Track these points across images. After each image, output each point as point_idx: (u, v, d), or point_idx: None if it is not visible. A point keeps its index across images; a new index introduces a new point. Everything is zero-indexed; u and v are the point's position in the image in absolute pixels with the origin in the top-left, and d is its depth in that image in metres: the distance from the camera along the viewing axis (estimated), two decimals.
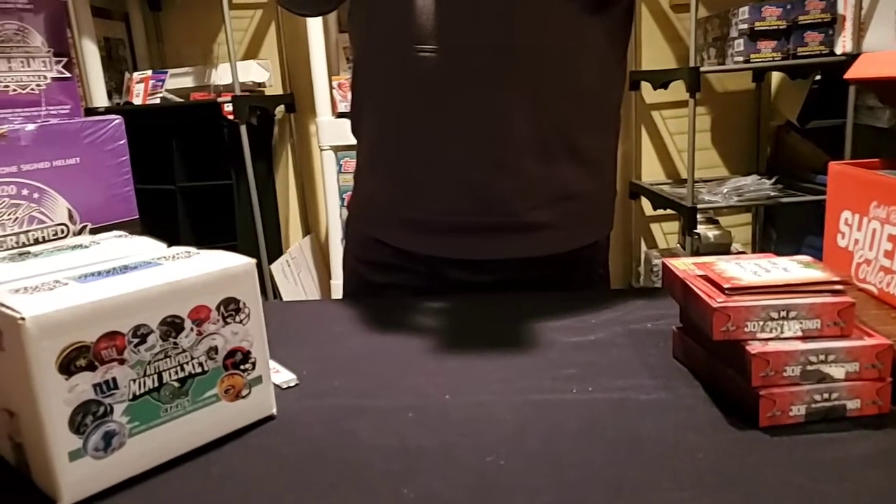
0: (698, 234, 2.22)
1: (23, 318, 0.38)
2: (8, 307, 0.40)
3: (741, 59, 2.03)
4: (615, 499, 0.40)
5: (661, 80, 2.28)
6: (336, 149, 2.33)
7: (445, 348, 0.63)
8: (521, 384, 0.54)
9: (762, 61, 2.01)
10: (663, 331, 0.61)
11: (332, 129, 2.30)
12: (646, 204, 2.54)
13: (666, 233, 2.70)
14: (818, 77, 2.24)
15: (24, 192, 0.59)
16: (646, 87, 2.45)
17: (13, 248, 0.58)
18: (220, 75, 2.36)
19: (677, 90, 2.22)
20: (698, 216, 2.12)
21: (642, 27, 2.49)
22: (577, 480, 0.41)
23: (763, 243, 2.61)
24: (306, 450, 0.47)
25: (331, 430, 0.49)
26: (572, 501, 0.40)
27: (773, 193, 2.18)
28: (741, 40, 2.01)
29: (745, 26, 1.99)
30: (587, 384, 0.54)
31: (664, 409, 0.49)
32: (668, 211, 2.30)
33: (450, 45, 0.72)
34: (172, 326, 0.44)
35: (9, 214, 0.58)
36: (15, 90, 0.62)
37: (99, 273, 0.46)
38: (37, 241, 0.59)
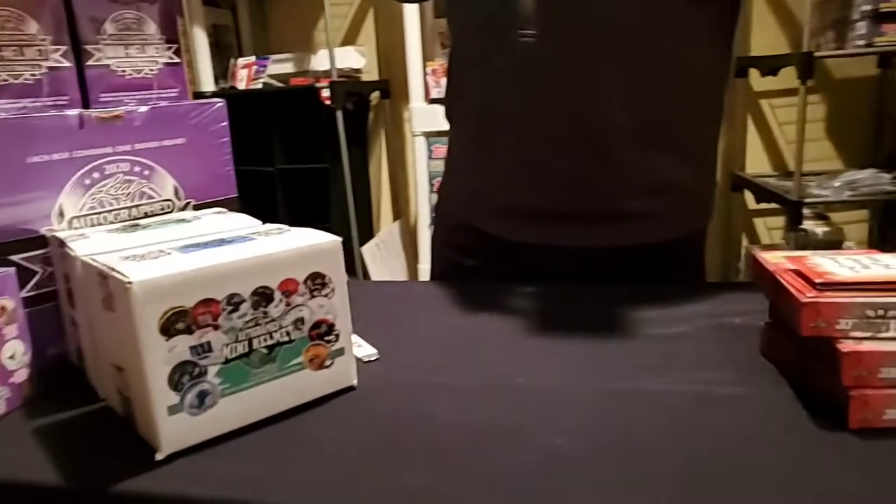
0: (805, 231, 2.11)
1: (130, 283, 0.42)
2: (118, 272, 0.43)
3: (862, 42, 1.90)
4: (686, 486, 0.39)
5: (770, 66, 2.17)
6: (427, 135, 2.36)
7: (525, 332, 0.63)
8: (599, 371, 0.54)
9: (886, 45, 1.88)
10: (752, 326, 0.59)
11: (424, 116, 2.33)
12: (749, 197, 2.43)
13: (770, 228, 2.57)
14: None
15: (137, 169, 0.63)
16: (754, 73, 2.34)
17: (125, 220, 0.63)
18: (319, 61, 2.44)
19: (788, 77, 2.10)
20: (806, 211, 2.02)
21: (753, 9, 2.37)
22: (648, 467, 0.41)
23: (881, 242, 2.45)
24: (384, 420, 0.48)
25: (408, 403, 0.51)
26: (642, 487, 0.39)
27: (891, 188, 2.03)
28: (863, 23, 1.89)
29: (869, 7, 1.86)
30: (667, 375, 0.53)
31: (746, 404, 0.48)
32: (773, 205, 2.20)
33: (551, 30, 0.72)
34: (263, 297, 0.47)
35: (122, 189, 0.63)
36: (131, 75, 0.66)
37: (199, 245, 0.50)
38: (145, 215, 0.64)
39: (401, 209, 2.83)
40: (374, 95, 2.66)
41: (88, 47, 0.63)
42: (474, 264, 0.87)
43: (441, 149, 2.34)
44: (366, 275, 2.46)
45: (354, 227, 2.40)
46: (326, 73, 2.34)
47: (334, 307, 0.51)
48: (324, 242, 0.50)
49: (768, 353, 0.55)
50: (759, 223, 2.59)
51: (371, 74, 2.64)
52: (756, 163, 2.52)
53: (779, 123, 2.47)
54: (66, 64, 0.61)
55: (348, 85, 2.41)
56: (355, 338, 0.59)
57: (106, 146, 0.61)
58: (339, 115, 2.28)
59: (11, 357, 0.53)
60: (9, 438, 0.49)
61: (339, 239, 0.51)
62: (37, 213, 0.58)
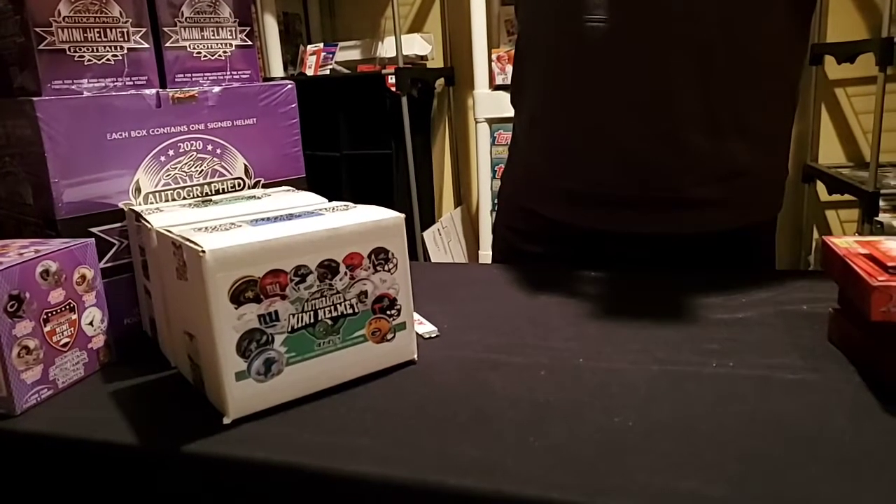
0: (881, 223, 2.02)
1: (203, 252, 0.44)
2: (192, 242, 0.45)
3: None
4: (746, 470, 0.39)
5: (847, 52, 2.07)
6: (491, 121, 2.35)
7: (585, 315, 0.63)
8: (659, 355, 0.54)
9: None
10: (819, 314, 0.58)
11: (488, 102, 2.33)
12: (821, 189, 2.34)
13: (843, 220, 2.47)
14: None
15: (209, 147, 0.66)
16: (829, 61, 2.24)
17: (198, 196, 0.65)
18: (386, 48, 2.46)
19: (866, 64, 2.01)
20: (883, 203, 1.93)
21: None
22: (707, 448, 0.41)
23: None
24: (442, 394, 0.49)
25: (466, 378, 0.51)
26: (700, 468, 0.39)
27: None
28: None
29: None
30: (730, 359, 0.52)
31: (811, 390, 0.47)
32: (847, 196, 2.11)
33: (620, 14, 0.71)
34: (329, 269, 0.48)
35: (196, 167, 0.65)
36: (206, 56, 0.69)
37: (268, 219, 0.51)
38: (217, 192, 0.67)
39: (462, 195, 2.84)
40: (439, 82, 2.67)
41: (166, 29, 0.65)
42: (537, 250, 0.87)
43: (505, 135, 2.33)
44: (427, 259, 2.48)
45: (417, 212, 2.42)
46: (392, 60, 2.36)
47: (397, 282, 0.52)
48: (388, 218, 0.51)
49: (836, 339, 0.53)
50: (831, 215, 2.49)
51: (436, 62, 2.64)
52: (829, 153, 2.42)
53: (855, 113, 2.37)
54: (146, 45, 0.64)
55: (414, 72, 2.42)
56: (416, 315, 0.60)
57: (181, 125, 0.64)
58: (404, 101, 2.30)
59: (90, 323, 0.56)
60: (87, 400, 0.52)
61: (402, 216, 0.52)
62: (115, 188, 0.60)
